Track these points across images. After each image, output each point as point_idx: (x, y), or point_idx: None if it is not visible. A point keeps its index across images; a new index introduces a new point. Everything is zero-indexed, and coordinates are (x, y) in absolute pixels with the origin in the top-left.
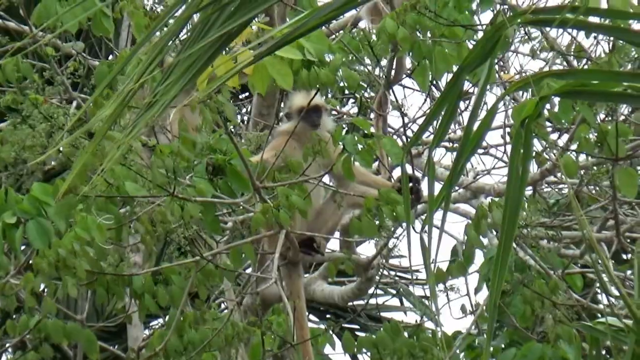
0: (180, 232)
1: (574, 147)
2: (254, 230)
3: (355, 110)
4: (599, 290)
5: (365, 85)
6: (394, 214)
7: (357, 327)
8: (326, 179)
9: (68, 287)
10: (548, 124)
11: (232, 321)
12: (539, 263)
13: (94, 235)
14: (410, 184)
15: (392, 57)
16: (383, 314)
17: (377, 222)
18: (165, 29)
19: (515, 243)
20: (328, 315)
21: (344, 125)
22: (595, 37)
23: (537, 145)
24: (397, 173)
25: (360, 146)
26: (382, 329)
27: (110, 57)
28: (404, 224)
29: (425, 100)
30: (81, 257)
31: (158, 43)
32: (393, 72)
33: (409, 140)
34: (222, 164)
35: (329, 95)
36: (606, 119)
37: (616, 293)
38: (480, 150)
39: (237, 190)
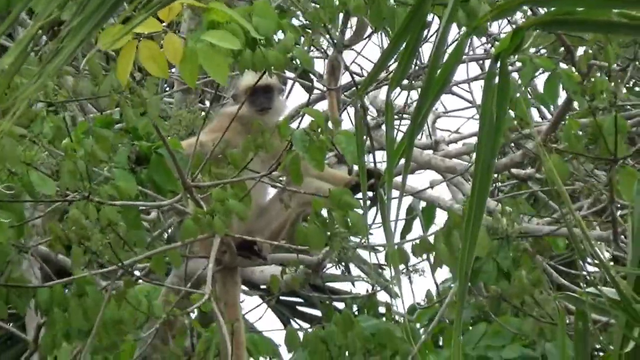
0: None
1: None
2: (184, 239)
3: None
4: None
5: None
6: (347, 220)
7: (299, 300)
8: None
9: None
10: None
11: None
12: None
13: None
14: (371, 181)
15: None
16: (328, 284)
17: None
18: None
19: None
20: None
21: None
22: None
23: None
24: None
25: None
26: (332, 322)
27: None
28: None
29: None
30: None
31: None
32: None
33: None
34: (148, 153)
35: None
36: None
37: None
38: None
39: (163, 185)
